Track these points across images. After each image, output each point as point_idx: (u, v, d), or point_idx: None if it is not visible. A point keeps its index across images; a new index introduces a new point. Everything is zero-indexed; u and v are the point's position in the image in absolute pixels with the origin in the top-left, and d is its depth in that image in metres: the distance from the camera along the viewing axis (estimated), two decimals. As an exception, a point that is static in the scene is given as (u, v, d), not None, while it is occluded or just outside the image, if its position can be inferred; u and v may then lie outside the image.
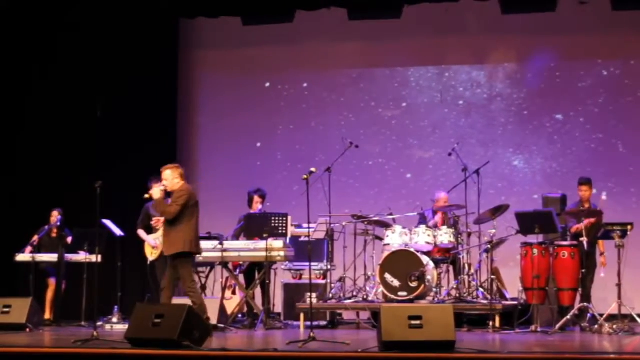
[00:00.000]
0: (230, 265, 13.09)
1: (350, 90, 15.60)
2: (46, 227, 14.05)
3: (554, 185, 14.43)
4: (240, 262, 13.05)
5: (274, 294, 13.41)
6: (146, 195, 11.31)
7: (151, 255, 12.99)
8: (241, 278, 13.18)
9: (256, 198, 13.16)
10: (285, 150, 15.68)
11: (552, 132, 15.01)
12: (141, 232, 13.07)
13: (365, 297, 12.63)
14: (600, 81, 14.91)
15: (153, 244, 12.92)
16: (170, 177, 11.10)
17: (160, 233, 12.98)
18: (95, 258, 11.97)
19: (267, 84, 15.88)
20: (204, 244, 12.83)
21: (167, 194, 11.21)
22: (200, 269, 13.99)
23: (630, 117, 14.74)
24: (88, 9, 15.07)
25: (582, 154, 14.84)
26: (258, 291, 12.98)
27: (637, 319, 11.53)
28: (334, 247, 13.51)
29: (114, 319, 13.24)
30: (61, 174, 15.16)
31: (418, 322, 9.05)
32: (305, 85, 15.80)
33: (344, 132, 14.65)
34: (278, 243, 12.55)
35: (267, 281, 12.62)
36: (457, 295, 12.33)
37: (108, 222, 13.43)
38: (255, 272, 12.93)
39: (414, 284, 12.26)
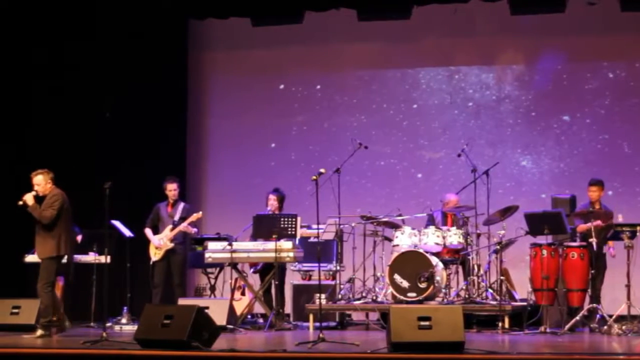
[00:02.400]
0: (239, 266, 13.09)
1: (362, 92, 15.61)
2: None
3: (562, 185, 14.48)
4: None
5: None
6: (19, 202, 11.44)
7: (154, 255, 13.03)
8: (257, 277, 13.16)
9: (270, 197, 13.12)
10: (298, 151, 15.69)
11: (560, 133, 15.03)
12: (148, 231, 13.14)
13: (374, 298, 12.62)
14: (606, 83, 14.92)
15: (157, 243, 12.96)
16: (43, 182, 11.53)
17: (165, 234, 13.01)
18: (104, 259, 11.99)
19: (282, 86, 15.88)
20: (213, 245, 12.87)
21: (39, 198, 11.47)
22: (209, 270, 14.01)
23: (635, 118, 14.77)
24: (98, 11, 15.09)
25: (589, 154, 14.86)
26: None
27: (646, 319, 11.53)
28: (343, 248, 13.50)
29: (123, 320, 13.26)
30: (70, 174, 15.05)
31: (427, 323, 9.08)
32: (318, 87, 15.81)
33: (356, 133, 14.64)
34: (287, 244, 12.54)
35: (276, 282, 12.61)
36: (466, 296, 12.32)
37: (117, 223, 13.44)
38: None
39: (423, 285, 12.24)
